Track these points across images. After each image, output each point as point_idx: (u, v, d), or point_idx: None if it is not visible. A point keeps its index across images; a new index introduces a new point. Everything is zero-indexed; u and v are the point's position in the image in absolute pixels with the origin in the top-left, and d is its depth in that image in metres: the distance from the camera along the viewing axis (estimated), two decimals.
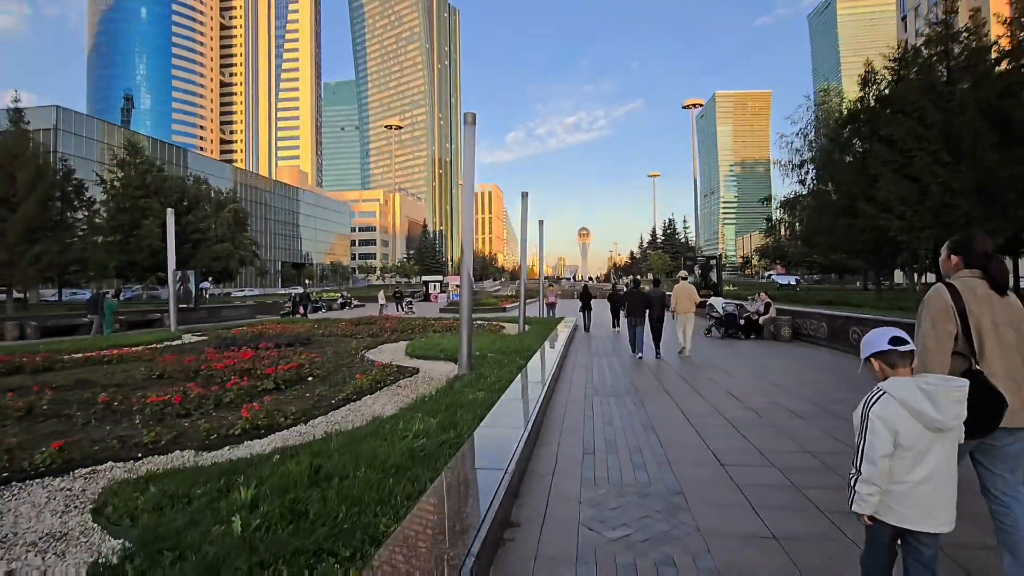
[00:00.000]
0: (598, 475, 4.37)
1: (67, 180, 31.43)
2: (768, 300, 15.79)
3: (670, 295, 12.35)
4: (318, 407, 6.15)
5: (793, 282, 33.35)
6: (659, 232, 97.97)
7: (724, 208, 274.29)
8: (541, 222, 21.13)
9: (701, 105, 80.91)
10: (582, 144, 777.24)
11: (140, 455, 4.52)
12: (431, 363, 9.76)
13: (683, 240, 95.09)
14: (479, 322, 19.26)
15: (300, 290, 41.77)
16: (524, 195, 15.50)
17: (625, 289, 17.31)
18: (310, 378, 7.90)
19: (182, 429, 5.21)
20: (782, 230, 41.98)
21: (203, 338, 15.08)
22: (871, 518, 2.08)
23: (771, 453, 4.87)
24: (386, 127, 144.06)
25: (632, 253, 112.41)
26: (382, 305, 34.49)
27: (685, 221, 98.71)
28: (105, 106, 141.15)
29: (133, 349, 11.76)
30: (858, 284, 54.14)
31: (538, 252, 22.56)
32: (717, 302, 16.62)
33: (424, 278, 66.11)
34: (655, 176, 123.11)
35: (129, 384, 7.63)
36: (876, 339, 2.25)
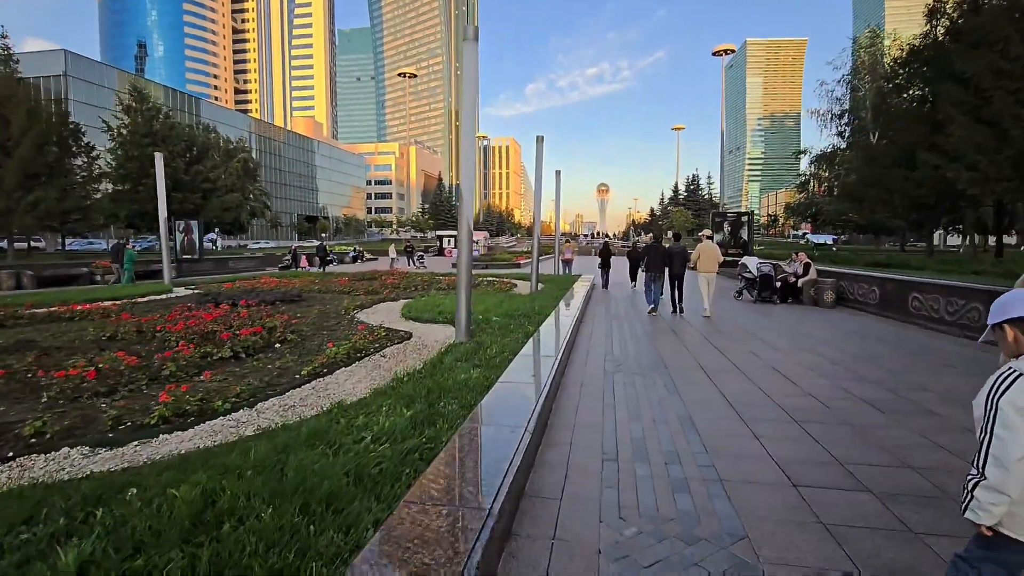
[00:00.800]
0: (624, 500, 3.15)
1: (64, 124, 30.14)
2: (808, 260, 14.21)
3: (691, 252, 12.01)
4: (275, 384, 5.00)
5: (829, 241, 31.13)
6: (682, 188, 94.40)
7: (750, 164, 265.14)
8: (558, 172, 19.49)
9: (732, 51, 76.30)
10: (604, 96, 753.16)
11: (11, 454, 3.41)
12: (427, 327, 8.57)
13: (707, 196, 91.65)
14: (489, 279, 18.04)
15: (297, 243, 40.86)
16: (539, 139, 13.89)
17: (644, 245, 16.62)
18: (279, 344, 6.76)
19: (87, 414, 4.09)
20: (815, 186, 39.44)
21: (195, 292, 14.11)
22: (991, 530, 1.61)
23: (858, 468, 3.59)
24: (400, 75, 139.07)
25: (652, 210, 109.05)
26: (392, 259, 33.44)
27: (709, 177, 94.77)
28: (119, 54, 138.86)
29: (107, 304, 10.76)
30: (888, 247, 51.48)
31: (554, 206, 21.01)
32: (751, 261, 15.07)
33: (438, 232, 64.82)
34: (680, 129, 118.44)
35: (69, 348, 6.57)
36: (1017, 301, 1.65)
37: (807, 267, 13.96)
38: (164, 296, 13.08)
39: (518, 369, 5.25)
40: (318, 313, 9.64)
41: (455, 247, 36.56)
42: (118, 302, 11.36)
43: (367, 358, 6.19)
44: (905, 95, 26.45)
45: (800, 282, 13.87)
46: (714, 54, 76.38)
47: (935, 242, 48.80)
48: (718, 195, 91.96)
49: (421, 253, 34.54)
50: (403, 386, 4.62)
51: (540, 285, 15.15)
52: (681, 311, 11.47)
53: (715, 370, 6.42)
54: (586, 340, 8.37)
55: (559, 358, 5.85)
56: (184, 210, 43.32)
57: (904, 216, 29.23)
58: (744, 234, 20.44)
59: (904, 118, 24.37)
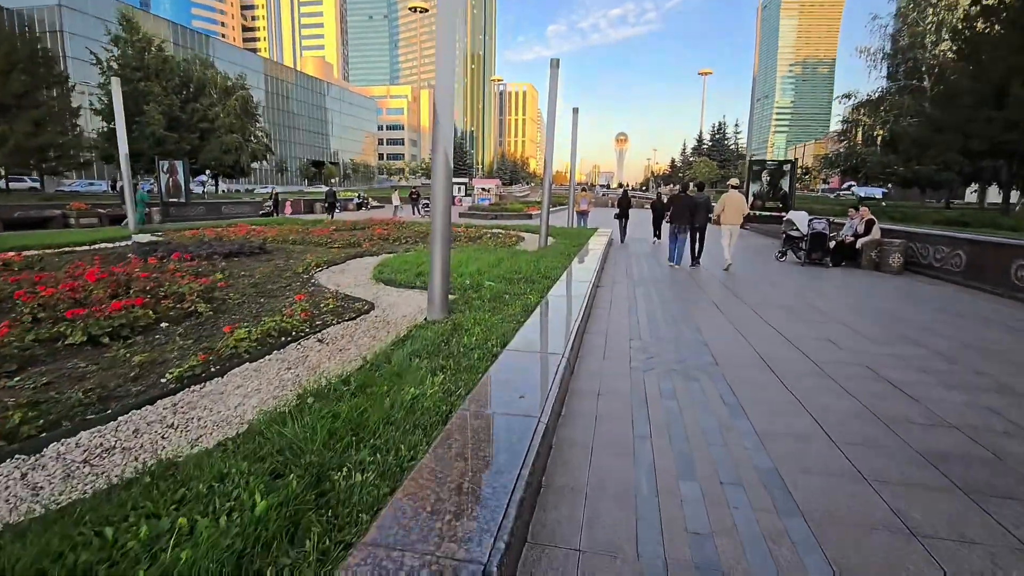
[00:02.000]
0: None
1: (34, 52, 27.76)
2: (871, 217, 11.95)
3: (716, 205, 11.49)
4: (109, 398, 3.21)
5: (878, 195, 28.10)
6: (706, 137, 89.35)
7: (777, 114, 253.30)
8: (575, 110, 17.09)
9: None
10: (628, 40, 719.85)
11: None
12: (400, 293, 6.71)
13: (733, 146, 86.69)
14: (495, 230, 16.04)
15: (273, 188, 38.79)
16: (554, 63, 11.49)
17: (667, 197, 15.86)
18: (163, 324, 4.91)
19: None
20: (858, 135, 36.04)
21: (158, 239, 12.35)
22: None
23: None
24: (410, 9, 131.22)
25: (673, 160, 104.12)
26: (396, 207, 31.40)
27: (737, 125, 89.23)
28: None
29: (10, 255, 8.97)
30: (932, 204, 47.61)
31: (570, 150, 18.66)
32: (799, 217, 12.84)
33: None
34: (707, 73, 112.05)
35: None
36: None
37: (869, 225, 11.73)
38: (115, 244, 11.34)
39: (503, 374, 3.40)
40: (269, 272, 7.78)
41: (465, 195, 34.48)
42: (48, 251, 9.63)
43: (293, 345, 4.37)
44: (995, 19, 22.29)
45: (860, 243, 11.70)
46: None
47: (964, 199, 44.95)
48: (744, 145, 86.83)
49: (426, 201, 32.31)
50: (312, 413, 2.78)
51: (550, 240, 13.16)
52: (699, 262, 11.20)
53: (790, 372, 4.50)
54: (604, 314, 6.46)
55: (566, 353, 3.96)
56: (180, 151, 41.31)
57: (963, 168, 26.09)
58: (785, 186, 18.01)
59: (1003, 46, 20.60)
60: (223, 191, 56.04)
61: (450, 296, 6.28)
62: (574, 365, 4.35)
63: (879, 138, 35.10)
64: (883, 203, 26.15)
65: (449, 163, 4.98)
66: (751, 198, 18.20)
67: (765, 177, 18.19)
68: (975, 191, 38.41)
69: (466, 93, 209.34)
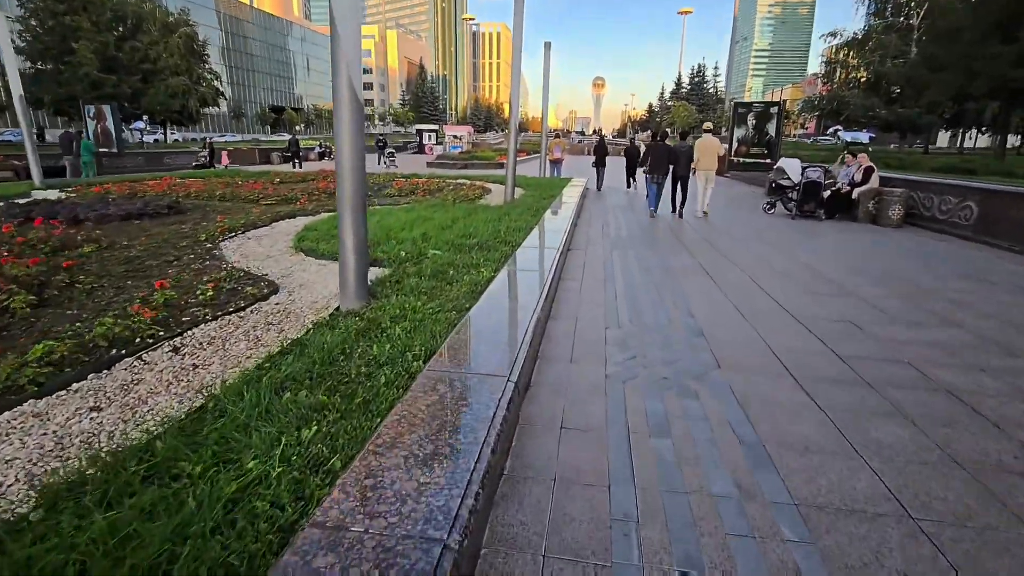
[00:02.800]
0: None
1: None
2: (870, 164, 10.82)
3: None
4: None
5: (865, 139, 26.94)
6: (685, 80, 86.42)
7: (755, 57, 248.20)
8: (547, 44, 15.32)
9: None
10: None
11: None
12: (321, 267, 5.38)
13: (712, 90, 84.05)
14: (460, 181, 14.55)
15: (212, 137, 35.94)
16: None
17: (642, 145, 15.55)
18: None
19: None
20: (842, 76, 34.57)
21: (59, 196, 10.57)
22: None
23: None
24: None
25: (651, 106, 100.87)
26: None
27: (716, 67, 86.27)
28: None
29: None
30: (910, 148, 46.77)
31: (543, 96, 16.93)
32: (790, 164, 11.65)
33: (418, 127, 58.84)
34: (687, 13, 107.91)
35: None
36: None
37: (868, 173, 10.63)
38: (6, 203, 9.59)
39: (417, 414, 2.18)
40: (165, 239, 6.30)
41: (436, 143, 32.42)
42: None
43: (130, 360, 3.06)
44: None
45: (856, 192, 10.62)
46: None
47: (942, 143, 44.15)
48: (724, 89, 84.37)
49: (391, 150, 30.11)
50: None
51: (519, 192, 11.79)
52: (681, 215, 10.70)
53: (817, 379, 3.39)
54: (575, 289, 5.26)
55: (515, 371, 2.76)
56: (121, 95, 37.69)
57: (945, 111, 25.06)
58: (771, 130, 16.72)
59: None
60: (175, 140, 52.23)
61: (382, 271, 5.00)
62: (528, 380, 3.17)
63: (863, 80, 33.80)
64: (869, 148, 25.17)
65: (356, 95, 3.56)
66: (735, 143, 16.93)
67: (751, 121, 16.85)
68: (953, 135, 37.75)
69: (437, 35, 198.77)
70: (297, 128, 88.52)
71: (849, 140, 28.00)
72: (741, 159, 16.80)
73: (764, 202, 12.11)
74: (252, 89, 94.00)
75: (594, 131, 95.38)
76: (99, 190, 10.50)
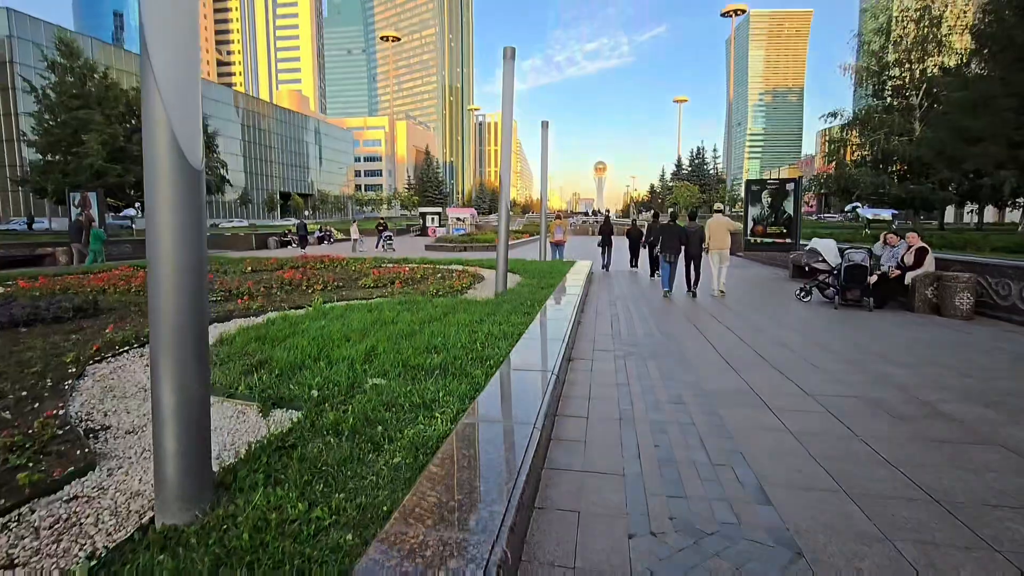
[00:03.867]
0: None
1: None
2: (923, 245, 9.30)
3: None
4: None
5: (887, 216, 25.82)
6: (685, 161, 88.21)
7: (750, 140, 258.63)
8: (545, 123, 14.56)
9: (743, 11, 69.85)
10: (603, 71, 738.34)
11: None
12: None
13: (712, 171, 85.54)
14: (453, 266, 13.17)
15: (220, 222, 35.53)
16: (507, 54, 8.78)
17: (645, 224, 16.19)
18: None
19: None
20: (847, 154, 34.28)
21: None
22: None
23: None
24: (382, 39, 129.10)
25: (652, 186, 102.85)
26: (355, 240, 28.54)
27: (715, 150, 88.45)
28: (94, 23, 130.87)
29: None
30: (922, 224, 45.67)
31: (541, 171, 16.00)
32: (825, 245, 10.18)
33: (422, 209, 59.22)
34: (682, 101, 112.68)
35: None
36: None
37: (921, 254, 9.08)
38: None
39: None
40: (27, 356, 4.68)
41: (439, 225, 31.76)
42: None
43: None
44: None
45: (909, 277, 9.02)
46: (723, 15, 70.07)
47: (947, 218, 43.18)
48: (724, 170, 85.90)
49: (390, 233, 29.34)
50: None
51: (513, 280, 10.31)
52: (695, 294, 10.69)
53: None
54: (578, 438, 3.53)
55: None
56: (125, 183, 37.94)
57: (960, 186, 24.00)
58: (789, 208, 15.50)
59: None
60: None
61: (287, 415, 3.33)
62: None
63: (867, 158, 33.53)
64: (894, 225, 24.04)
65: (183, 154, 2.06)
66: (751, 223, 15.65)
67: (766, 199, 15.65)
68: (971, 211, 36.82)
69: (445, 125, 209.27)
70: (306, 213, 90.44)
71: (871, 217, 26.83)
72: (759, 239, 15.46)
73: (797, 288, 10.52)
74: (267, 178, 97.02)
75: (595, 211, 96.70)
76: (26, 285, 9.07)
